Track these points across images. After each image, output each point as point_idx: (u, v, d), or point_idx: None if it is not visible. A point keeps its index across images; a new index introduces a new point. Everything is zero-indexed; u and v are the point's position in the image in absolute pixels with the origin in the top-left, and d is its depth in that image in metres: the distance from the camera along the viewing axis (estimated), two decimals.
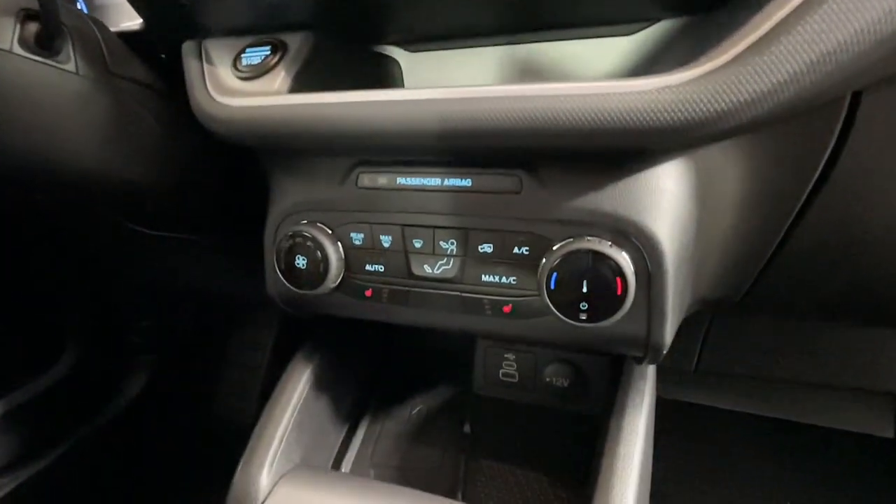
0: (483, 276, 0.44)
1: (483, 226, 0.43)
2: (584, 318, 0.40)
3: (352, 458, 0.63)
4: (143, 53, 0.56)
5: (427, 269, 0.46)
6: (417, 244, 0.45)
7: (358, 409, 0.68)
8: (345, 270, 0.48)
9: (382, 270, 0.47)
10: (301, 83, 0.47)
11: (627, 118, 0.33)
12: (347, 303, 0.50)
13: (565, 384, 0.65)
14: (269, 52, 0.47)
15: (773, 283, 0.51)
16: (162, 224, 0.80)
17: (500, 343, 0.68)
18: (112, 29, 0.54)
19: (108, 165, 0.54)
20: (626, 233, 0.39)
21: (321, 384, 0.59)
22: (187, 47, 0.51)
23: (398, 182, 0.45)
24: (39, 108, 0.47)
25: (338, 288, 0.49)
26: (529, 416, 0.65)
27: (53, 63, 0.47)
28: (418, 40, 0.53)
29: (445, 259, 0.45)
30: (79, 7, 0.61)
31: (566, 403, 0.65)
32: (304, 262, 0.47)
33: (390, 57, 0.55)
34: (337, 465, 0.62)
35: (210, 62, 0.49)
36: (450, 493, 0.57)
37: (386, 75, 0.54)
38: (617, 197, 0.39)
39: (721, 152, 0.39)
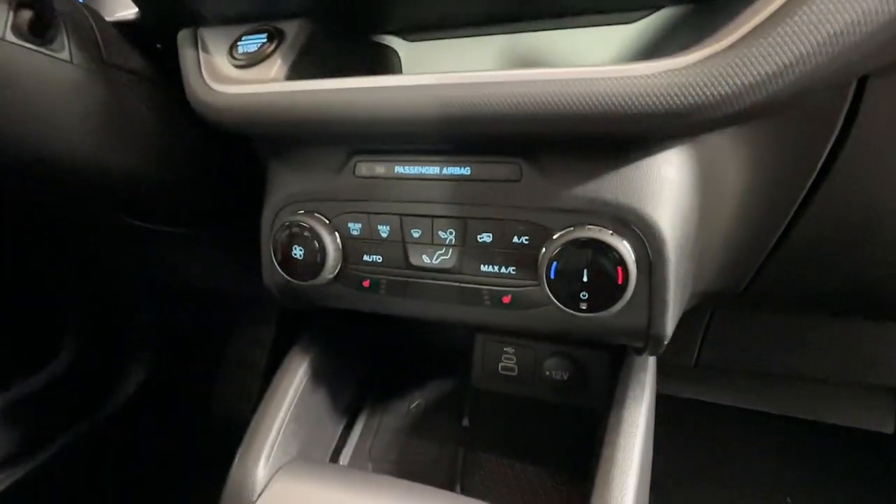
0: (482, 266, 0.43)
1: (482, 215, 0.42)
2: (584, 307, 0.39)
3: (350, 452, 0.63)
4: (138, 43, 0.55)
5: (425, 259, 0.45)
6: (416, 234, 0.45)
7: (356, 403, 0.67)
8: (342, 261, 0.48)
9: (380, 261, 0.47)
10: (298, 72, 0.46)
11: (629, 102, 0.33)
12: (345, 294, 0.49)
13: (565, 377, 0.64)
14: (265, 40, 0.47)
15: (775, 275, 0.51)
16: (159, 218, 0.80)
17: (499, 336, 0.67)
18: (107, 18, 0.54)
19: (104, 156, 0.54)
20: (627, 221, 0.38)
21: (319, 377, 0.58)
22: (183, 36, 0.50)
23: (396, 171, 0.44)
24: (33, 96, 0.47)
25: (335, 279, 0.48)
26: (528, 410, 0.65)
27: (47, 51, 0.46)
28: (417, 29, 0.52)
29: (444, 249, 0.44)
30: None
31: (566, 397, 0.64)
32: (301, 252, 0.47)
33: (389, 46, 0.54)
34: (335, 458, 0.62)
35: (206, 50, 0.48)
36: (448, 487, 0.57)
37: (384, 65, 0.53)
38: (618, 185, 0.38)
39: (724, 140, 0.39)
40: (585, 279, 0.39)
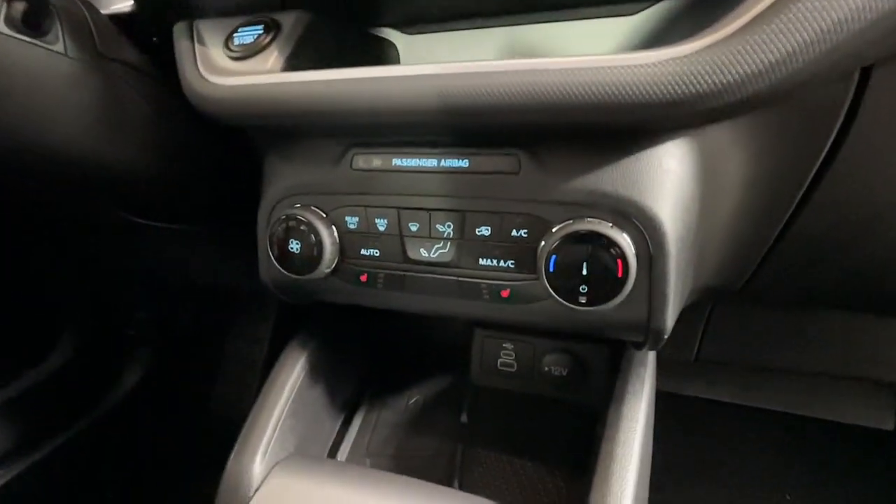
0: (480, 259, 0.43)
1: (480, 208, 0.42)
2: (583, 301, 0.39)
3: (348, 448, 0.62)
4: (134, 36, 0.55)
5: (423, 252, 0.45)
6: (413, 227, 0.44)
7: (354, 399, 0.67)
8: (339, 255, 0.47)
9: (378, 255, 0.46)
10: (294, 64, 0.46)
11: (631, 91, 0.32)
12: (342, 288, 0.49)
13: (564, 373, 0.64)
14: (261, 32, 0.46)
15: (776, 269, 0.51)
16: (157, 214, 0.79)
17: (498, 332, 0.67)
18: (102, 11, 0.53)
19: (100, 149, 0.53)
20: (628, 214, 0.38)
21: (316, 373, 0.58)
22: (178, 28, 0.50)
23: (394, 163, 0.44)
24: (27, 89, 0.46)
25: (332, 273, 0.48)
26: (527, 406, 0.64)
27: (41, 43, 0.46)
28: (416, 22, 0.52)
29: (442, 242, 0.44)
30: None
31: (565, 393, 0.64)
32: (298, 246, 0.46)
33: (387, 40, 0.53)
34: (333, 454, 0.62)
35: (201, 42, 0.48)
36: (446, 483, 0.57)
37: (382, 58, 0.53)
38: (618, 177, 0.38)
39: (725, 132, 0.38)
40: (585, 272, 0.38)
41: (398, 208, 0.44)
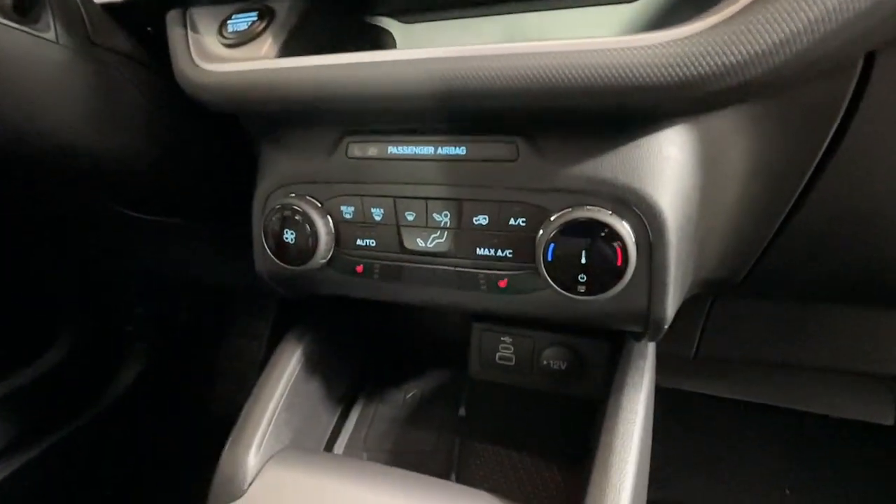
0: (478, 249, 0.42)
1: (478, 196, 0.41)
2: (582, 290, 0.38)
3: (344, 442, 0.62)
4: (128, 25, 0.54)
5: (420, 242, 0.44)
6: (410, 217, 0.44)
7: (351, 393, 0.66)
8: (335, 246, 0.47)
9: (374, 245, 0.46)
10: (288, 51, 0.45)
11: (632, 74, 0.31)
12: (338, 279, 0.48)
13: (563, 367, 0.63)
14: (255, 19, 0.45)
15: (777, 262, 0.50)
16: (152, 207, 0.79)
17: (496, 326, 0.66)
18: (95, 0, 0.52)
19: (91, 139, 0.52)
20: (627, 201, 0.37)
21: (313, 366, 0.57)
22: (172, 16, 0.49)
23: (389, 151, 0.43)
24: (18, 77, 0.45)
25: (328, 264, 0.47)
26: (526, 400, 0.64)
27: (32, 31, 0.45)
28: (412, 10, 0.51)
29: (439, 232, 0.43)
30: None
31: (564, 387, 0.63)
32: (293, 236, 0.46)
33: (383, 28, 0.53)
34: (329, 448, 0.61)
35: (195, 30, 0.47)
36: (444, 476, 0.56)
37: (378, 46, 0.52)
38: (618, 164, 0.37)
39: (727, 120, 0.38)
40: (584, 261, 0.38)
41: (394, 197, 0.44)
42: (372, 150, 0.43)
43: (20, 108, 0.47)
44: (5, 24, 0.43)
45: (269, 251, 0.48)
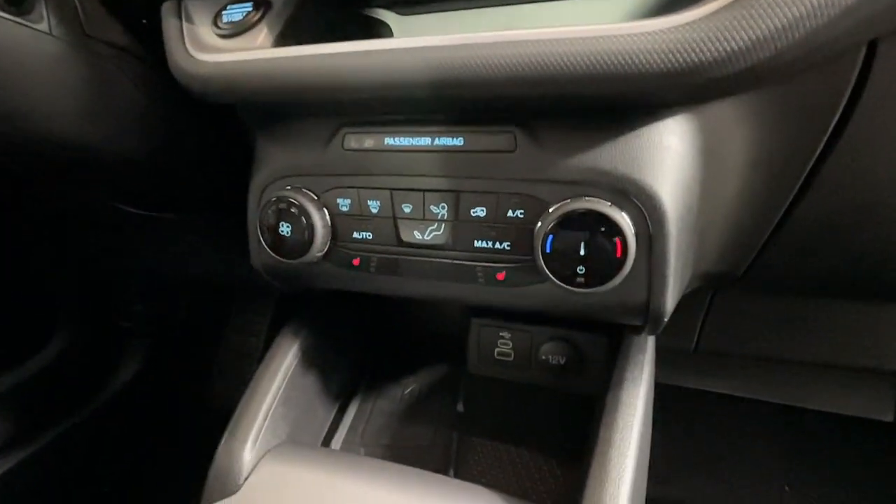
0: (475, 241, 0.42)
1: (475, 188, 0.41)
2: (581, 282, 0.38)
3: (342, 437, 0.62)
4: (123, 18, 0.53)
5: (417, 235, 0.44)
6: (406, 209, 0.43)
7: (349, 388, 0.66)
8: (331, 238, 0.46)
9: (370, 238, 0.45)
10: (284, 43, 0.44)
11: (634, 61, 0.31)
12: (334, 273, 0.48)
13: (562, 362, 0.63)
14: (251, 9, 0.45)
15: (778, 255, 0.50)
16: (148, 203, 0.78)
17: (495, 321, 0.66)
18: None
19: (86, 132, 0.52)
20: (627, 192, 0.37)
21: (310, 360, 0.57)
22: (166, 7, 0.49)
23: (386, 143, 0.42)
24: (10, 69, 0.45)
25: (324, 257, 0.47)
26: (524, 395, 0.63)
27: (25, 22, 0.44)
28: (409, 2, 0.51)
29: (436, 224, 0.43)
30: None
31: (562, 382, 0.63)
32: (289, 229, 0.45)
33: (380, 20, 0.52)
34: (326, 443, 0.61)
35: (189, 20, 0.47)
36: (442, 472, 0.56)
37: (375, 38, 0.51)
38: (617, 154, 0.37)
39: (728, 110, 0.37)
40: (582, 253, 0.37)
41: (391, 189, 0.43)
42: (368, 142, 0.43)
43: (13, 100, 0.46)
44: None
45: (264, 244, 0.47)
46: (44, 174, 0.72)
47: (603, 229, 0.37)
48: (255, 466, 0.46)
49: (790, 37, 0.29)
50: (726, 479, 0.95)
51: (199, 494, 0.47)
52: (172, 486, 1.09)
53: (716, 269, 0.51)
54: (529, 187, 0.39)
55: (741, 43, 0.29)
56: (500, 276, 0.42)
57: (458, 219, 0.42)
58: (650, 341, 0.52)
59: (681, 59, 0.30)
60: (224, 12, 0.46)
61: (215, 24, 0.46)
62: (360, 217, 0.45)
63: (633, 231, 0.37)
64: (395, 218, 0.44)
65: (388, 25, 0.52)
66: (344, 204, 0.45)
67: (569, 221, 0.37)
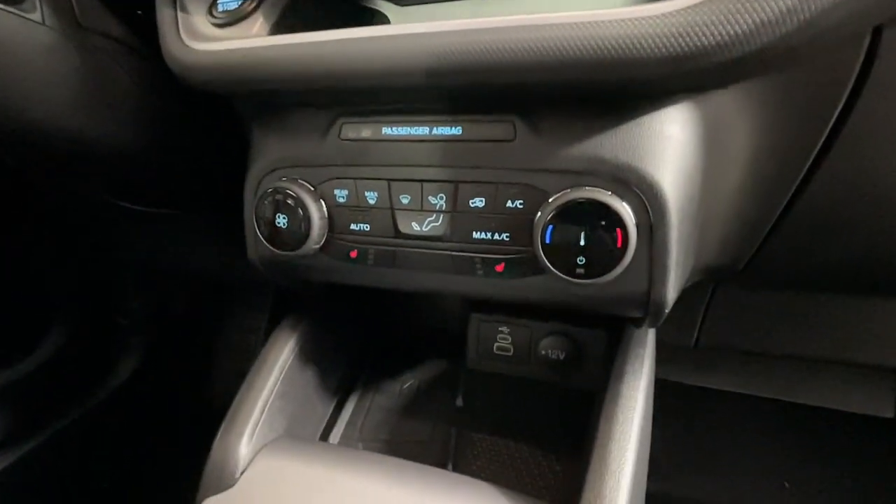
0: (474, 232, 0.41)
1: (474, 178, 0.40)
2: (581, 273, 0.37)
3: (340, 432, 0.61)
4: (117, 8, 0.53)
5: (415, 226, 0.43)
6: (404, 200, 0.43)
7: (347, 383, 0.66)
8: (328, 230, 0.46)
9: (368, 229, 0.44)
10: (280, 32, 0.44)
11: (635, 46, 0.30)
12: (331, 265, 0.47)
13: (561, 357, 0.62)
14: None
15: (779, 248, 0.49)
16: (145, 198, 0.78)
17: (494, 316, 0.65)
18: None
19: (79, 125, 0.51)
20: (627, 181, 0.36)
21: (307, 355, 0.57)
22: None
23: (383, 132, 0.42)
24: (2, 59, 0.44)
25: (321, 249, 0.46)
26: (524, 390, 0.63)
27: (17, 11, 0.44)
28: None
29: (434, 215, 0.42)
30: None
31: (562, 377, 0.63)
32: (285, 220, 0.45)
33: (378, 10, 0.52)
34: (324, 438, 0.60)
35: (184, 10, 0.46)
36: (440, 466, 0.55)
37: None
38: (618, 143, 0.36)
39: (730, 98, 0.37)
40: (583, 243, 0.37)
41: (388, 180, 0.43)
42: (366, 132, 0.42)
43: (5, 91, 0.46)
44: None
45: (261, 237, 0.47)
46: (38, 167, 0.71)
47: (603, 219, 0.36)
48: (251, 460, 0.45)
49: (794, 20, 0.28)
50: (726, 475, 0.95)
51: (196, 490, 0.47)
52: (170, 483, 1.08)
53: (717, 262, 0.50)
54: (529, 177, 0.39)
55: (745, 26, 0.29)
56: (499, 267, 0.42)
57: (456, 209, 0.41)
58: (650, 334, 0.52)
59: (683, 44, 0.29)
60: (219, 1, 0.45)
61: (210, 13, 0.45)
62: (357, 208, 0.44)
63: (633, 221, 0.36)
64: (392, 209, 0.43)
65: (385, 16, 0.52)
66: (341, 195, 0.44)
67: (569, 211, 0.37)
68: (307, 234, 0.44)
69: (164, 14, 0.47)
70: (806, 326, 0.75)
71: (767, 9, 0.28)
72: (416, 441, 0.60)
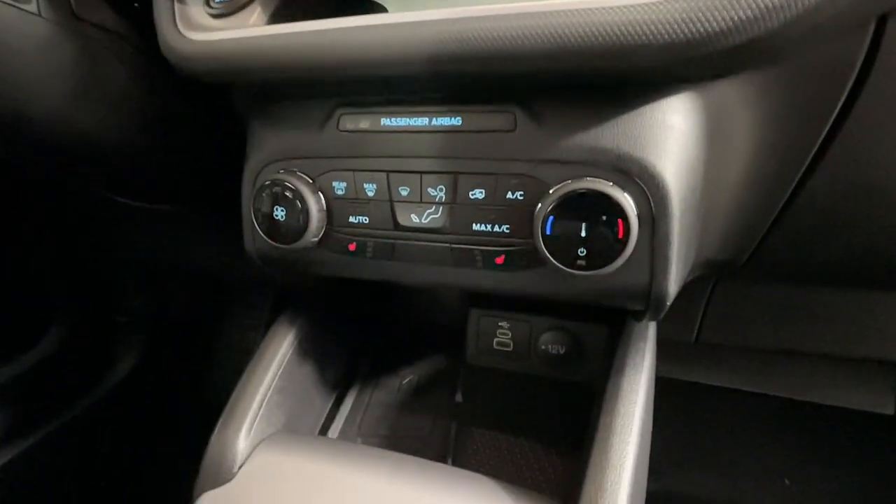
0: (474, 224, 0.41)
1: (474, 169, 0.40)
2: (581, 265, 0.37)
3: (339, 427, 0.61)
4: (114, 0, 0.52)
5: (414, 218, 0.43)
6: (403, 192, 0.42)
7: (346, 378, 0.65)
8: (326, 223, 0.45)
9: (367, 222, 0.44)
10: (277, 22, 0.43)
11: (638, 31, 0.30)
12: (330, 259, 0.47)
13: (561, 352, 0.62)
14: None
15: (781, 242, 0.49)
16: (143, 193, 0.77)
17: (494, 311, 0.65)
18: None
19: (75, 118, 0.51)
20: (629, 172, 0.36)
21: (306, 350, 0.56)
22: None
23: (382, 123, 0.41)
24: None
25: (320, 242, 0.46)
26: (524, 385, 0.63)
27: (12, 2, 0.43)
28: None
29: (434, 207, 0.42)
30: None
31: (562, 372, 0.62)
32: (283, 213, 0.44)
33: (376, 2, 0.51)
34: (323, 433, 0.60)
35: (181, 0, 0.46)
36: (440, 461, 0.55)
37: None
38: (619, 133, 0.36)
39: (733, 89, 0.36)
40: (583, 234, 0.36)
41: (387, 172, 0.42)
42: (364, 123, 0.42)
43: (1, 83, 0.45)
44: None
45: (258, 230, 0.46)
46: (35, 161, 0.71)
47: (605, 210, 0.36)
48: (249, 455, 0.45)
49: (798, 6, 0.28)
50: (727, 472, 0.95)
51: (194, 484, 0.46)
52: (170, 480, 1.08)
53: (718, 256, 0.50)
54: (529, 168, 0.38)
55: (748, 12, 0.28)
56: (499, 259, 0.41)
57: (456, 201, 0.41)
58: (651, 328, 0.51)
59: (686, 30, 0.29)
60: None
61: (207, 3, 0.44)
62: (356, 201, 0.44)
63: (635, 212, 0.36)
64: (391, 201, 0.43)
65: (383, 7, 0.51)
66: (340, 187, 0.44)
67: (569, 202, 0.36)
68: (305, 227, 0.44)
69: (160, 4, 0.46)
70: (807, 322, 0.75)
71: None
72: (415, 436, 0.60)
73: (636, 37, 0.30)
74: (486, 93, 0.39)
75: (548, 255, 0.38)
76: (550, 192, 0.37)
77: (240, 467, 0.44)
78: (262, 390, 0.49)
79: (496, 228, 0.40)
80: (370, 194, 0.43)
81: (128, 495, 1.08)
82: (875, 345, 0.74)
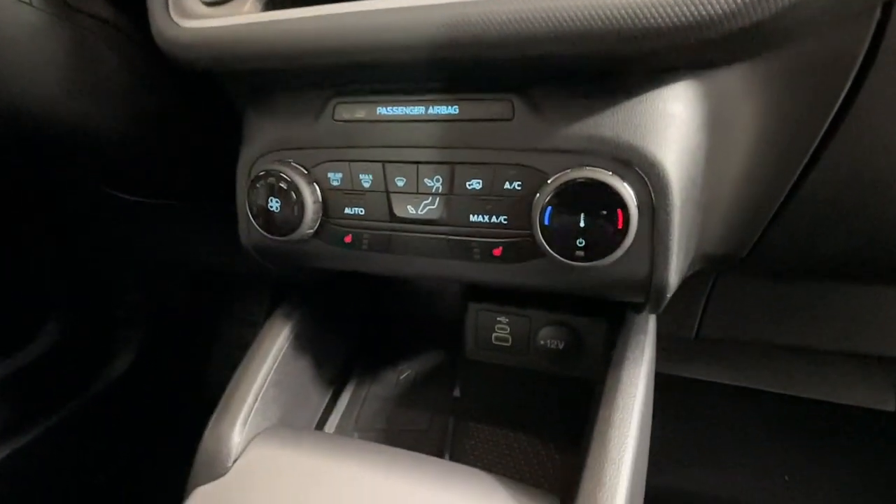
0: (471, 215, 0.40)
1: (471, 159, 0.39)
2: (580, 255, 0.36)
3: (335, 421, 0.60)
4: None
5: (410, 209, 0.42)
6: (400, 182, 0.42)
7: (343, 373, 0.65)
8: (322, 215, 0.45)
9: (363, 213, 0.43)
10: (272, 9, 0.42)
11: (640, 14, 0.29)
12: (325, 251, 0.46)
13: (560, 347, 0.62)
14: None
15: (783, 235, 0.48)
16: (140, 188, 0.77)
17: (492, 306, 0.65)
18: None
19: (69, 108, 0.50)
20: (629, 161, 0.35)
21: (302, 343, 0.56)
22: None
23: (378, 113, 0.41)
24: None
25: (315, 234, 0.45)
26: (522, 380, 0.62)
27: None
28: None
29: (430, 198, 0.41)
30: None
31: (561, 367, 0.62)
32: (278, 204, 0.44)
33: None
34: (320, 427, 0.60)
35: None
36: (437, 456, 0.55)
37: None
38: (619, 121, 0.35)
39: (735, 77, 0.36)
40: (582, 225, 0.36)
41: (384, 162, 0.42)
42: (360, 113, 0.41)
43: None
44: None
45: (253, 222, 0.46)
46: (29, 153, 0.70)
47: (604, 200, 0.35)
48: (244, 449, 0.45)
49: None
50: (727, 469, 0.95)
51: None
52: (167, 477, 1.08)
53: (719, 249, 0.49)
54: (527, 157, 0.38)
55: None
56: (497, 251, 0.41)
57: (452, 192, 0.40)
58: (651, 322, 0.51)
59: (689, 13, 0.28)
60: None
61: None
62: (351, 192, 0.43)
63: (635, 201, 0.35)
64: (387, 192, 0.42)
65: None
66: (335, 178, 0.43)
67: (568, 192, 0.36)
68: (301, 219, 0.43)
69: None
70: (807, 317, 0.75)
71: None
72: (412, 431, 0.59)
73: (640, 20, 0.29)
74: (484, 81, 0.38)
75: (546, 246, 0.37)
76: (549, 181, 0.37)
77: (234, 461, 0.44)
78: (257, 384, 0.49)
79: (494, 219, 0.40)
80: (366, 185, 0.43)
81: (125, 491, 1.08)
82: (876, 341, 0.73)
